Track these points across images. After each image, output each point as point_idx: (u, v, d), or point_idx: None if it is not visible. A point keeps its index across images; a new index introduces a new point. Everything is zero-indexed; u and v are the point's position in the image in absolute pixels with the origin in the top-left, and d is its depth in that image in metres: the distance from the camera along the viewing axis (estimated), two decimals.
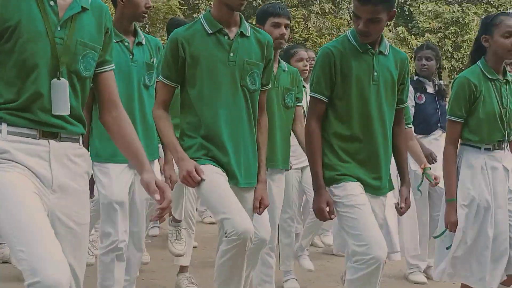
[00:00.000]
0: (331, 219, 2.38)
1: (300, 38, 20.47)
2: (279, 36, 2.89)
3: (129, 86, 2.80)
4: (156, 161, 3.11)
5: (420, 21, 21.69)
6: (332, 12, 21.13)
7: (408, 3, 22.15)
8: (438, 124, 3.95)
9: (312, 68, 2.51)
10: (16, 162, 1.60)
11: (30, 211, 1.53)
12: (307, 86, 3.70)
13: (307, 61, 3.88)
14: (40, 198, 1.60)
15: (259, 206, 2.44)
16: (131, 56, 2.83)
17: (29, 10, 1.62)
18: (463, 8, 21.85)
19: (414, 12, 22.18)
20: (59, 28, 1.65)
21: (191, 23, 2.43)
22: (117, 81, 2.69)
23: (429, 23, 21.68)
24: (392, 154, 2.52)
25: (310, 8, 20.78)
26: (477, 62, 2.87)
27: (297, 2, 20.71)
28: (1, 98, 1.63)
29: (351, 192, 2.34)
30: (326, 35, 20.66)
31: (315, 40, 20.50)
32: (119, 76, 2.75)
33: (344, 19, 21.15)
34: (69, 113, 1.68)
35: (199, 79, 2.30)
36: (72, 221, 1.70)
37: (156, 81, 2.88)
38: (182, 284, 3.52)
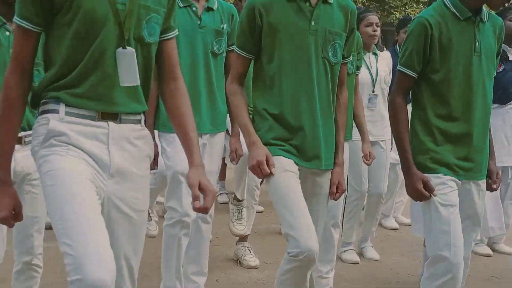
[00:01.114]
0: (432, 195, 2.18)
1: None
2: None
3: (195, 53, 2.69)
4: (222, 132, 2.97)
5: None
6: None
7: None
8: None
9: (403, 39, 2.31)
10: (73, 146, 1.53)
11: (82, 203, 1.45)
12: (369, 58, 3.72)
13: (377, 25, 3.67)
14: (96, 185, 1.53)
15: (336, 191, 2.25)
16: (198, 22, 2.70)
17: None
18: None
19: None
20: None
21: None
22: (183, 48, 2.62)
23: None
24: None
25: None
26: None
27: None
28: (57, 72, 1.55)
29: (442, 188, 2.17)
30: None
31: None
32: (185, 42, 2.65)
33: None
34: (138, 83, 1.60)
35: (276, 50, 2.09)
36: (129, 207, 1.62)
37: (229, 51, 2.78)
38: (239, 254, 3.56)
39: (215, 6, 2.76)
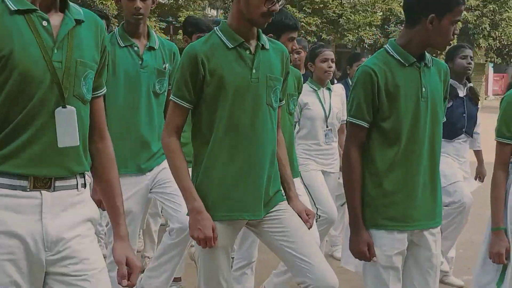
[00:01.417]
0: (372, 260, 2.18)
1: (334, 14, 20.33)
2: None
3: (136, 94, 2.70)
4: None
5: None
6: None
7: None
8: (463, 130, 3.87)
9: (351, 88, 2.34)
10: None
11: None
12: (323, 93, 3.76)
13: (332, 61, 3.73)
14: (24, 279, 1.47)
15: (308, 216, 2.30)
16: (140, 62, 2.72)
17: (21, 36, 1.45)
18: None
19: None
20: (55, 51, 1.50)
21: (207, 36, 2.17)
22: (124, 89, 2.68)
23: (467, 0, 21.31)
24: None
25: None
26: None
27: None
28: None
29: (386, 250, 2.15)
30: (360, 12, 20.49)
31: (348, 16, 20.37)
32: (126, 83, 2.68)
33: None
34: (78, 144, 1.53)
35: (219, 100, 2.05)
36: (76, 277, 1.53)
37: (170, 89, 2.77)
38: None
39: (156, 45, 2.78)
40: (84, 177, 1.60)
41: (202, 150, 2.09)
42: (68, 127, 1.51)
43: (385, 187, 2.16)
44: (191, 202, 2.05)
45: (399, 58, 2.16)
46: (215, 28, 2.15)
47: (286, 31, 2.76)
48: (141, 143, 2.78)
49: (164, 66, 2.79)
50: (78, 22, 1.55)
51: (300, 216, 2.24)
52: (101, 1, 18.88)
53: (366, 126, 2.16)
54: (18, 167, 1.46)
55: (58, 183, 1.51)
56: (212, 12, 26.32)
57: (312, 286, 2.12)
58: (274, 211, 2.18)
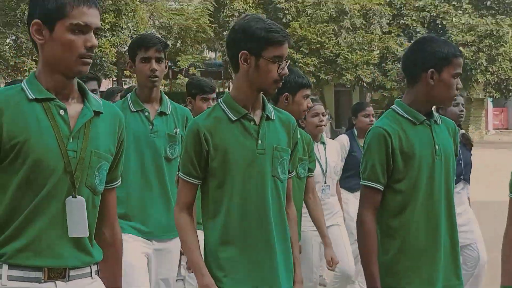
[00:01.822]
0: None
1: (331, 54, 20.93)
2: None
3: (146, 159, 2.73)
4: (177, 239, 2.97)
5: (453, 35, 22.06)
6: (363, 27, 21.44)
7: (440, 16, 22.67)
8: (460, 177, 3.75)
9: (363, 151, 2.34)
10: None
11: None
12: (318, 148, 3.72)
13: (323, 115, 3.77)
14: None
15: None
16: (150, 127, 2.76)
17: (38, 123, 1.52)
18: (497, 20, 22.13)
19: (447, 25, 22.59)
20: (71, 140, 1.55)
21: (210, 109, 2.18)
22: (134, 154, 2.70)
23: (463, 36, 22.09)
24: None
25: (341, 23, 21.10)
26: None
27: (327, 18, 21.12)
28: (3, 226, 1.50)
29: None
30: (357, 50, 21.05)
31: (346, 55, 20.96)
32: (136, 148, 2.71)
33: (375, 34, 21.53)
34: (87, 235, 1.57)
35: (227, 174, 2.05)
36: None
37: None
38: None
39: (168, 110, 2.82)
40: (97, 263, 1.64)
41: (211, 223, 2.08)
42: (78, 218, 1.54)
43: (406, 250, 2.14)
44: (200, 278, 2.05)
45: (409, 117, 2.18)
46: (219, 100, 2.17)
47: (300, 89, 2.92)
48: (153, 208, 2.82)
49: (175, 131, 2.81)
50: (97, 113, 1.60)
51: None
52: (100, 48, 19.54)
53: (381, 188, 2.16)
54: (32, 259, 1.49)
55: (72, 273, 1.55)
56: (210, 54, 27.22)
57: None
58: None
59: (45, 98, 1.53)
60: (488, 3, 23.41)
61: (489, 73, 22.23)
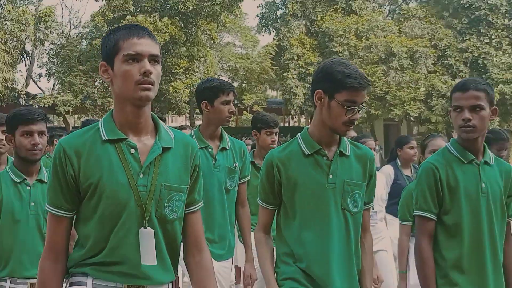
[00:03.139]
0: None
1: (381, 92, 22.19)
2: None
3: (211, 191, 2.86)
4: (230, 259, 3.15)
5: (494, 73, 22.92)
6: (410, 67, 22.53)
7: (482, 56, 23.58)
8: None
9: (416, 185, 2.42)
10: None
11: None
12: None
13: (374, 149, 3.88)
14: None
15: None
16: (213, 162, 2.93)
17: (110, 163, 1.58)
18: None
19: (488, 64, 23.43)
20: (141, 176, 1.59)
21: (288, 142, 2.24)
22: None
23: (503, 75, 22.90)
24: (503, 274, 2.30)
25: (390, 64, 22.27)
26: None
27: (377, 59, 22.35)
28: (86, 253, 1.61)
29: None
30: (404, 88, 22.19)
31: (394, 93, 22.12)
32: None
33: (421, 73, 22.58)
34: (155, 263, 1.61)
35: (296, 205, 2.11)
36: None
37: (241, 183, 3.08)
38: None
39: (228, 146, 3.00)
40: (173, 283, 1.72)
41: (281, 245, 2.17)
42: (147, 247, 1.59)
43: (451, 279, 2.20)
44: (268, 284, 2.15)
45: (458, 155, 2.26)
46: (298, 135, 2.22)
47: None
48: (218, 236, 2.98)
49: (234, 165, 3.01)
50: (166, 149, 1.63)
51: None
52: (174, 89, 21.10)
53: (433, 218, 2.24)
54: (113, 277, 1.59)
55: (150, 287, 1.61)
56: (272, 93, 28.76)
57: None
58: None
59: (117, 139, 1.59)
60: None
61: None
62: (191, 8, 20.89)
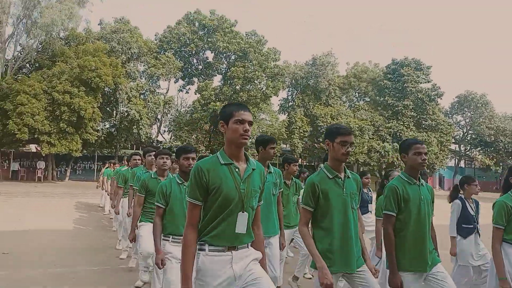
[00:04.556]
0: None
1: None
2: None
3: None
4: (277, 235, 4.70)
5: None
6: (359, 135, 36.56)
7: (399, 132, 35.96)
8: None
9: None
10: (210, 281, 2.64)
11: None
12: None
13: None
14: None
15: (375, 271, 3.49)
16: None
17: (225, 176, 2.67)
18: None
19: (402, 136, 35.89)
20: (241, 184, 2.69)
21: (317, 172, 3.53)
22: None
23: None
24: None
25: None
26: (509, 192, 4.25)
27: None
28: (206, 229, 2.65)
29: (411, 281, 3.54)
30: (356, 147, 35.92)
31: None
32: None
33: (365, 139, 36.04)
34: (245, 232, 2.74)
35: (329, 210, 3.33)
36: (254, 275, 2.75)
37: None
38: None
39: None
40: (250, 242, 2.83)
41: (319, 231, 3.41)
42: (242, 223, 2.70)
43: (406, 250, 3.58)
44: (319, 262, 3.22)
45: (408, 180, 3.72)
46: (321, 167, 3.50)
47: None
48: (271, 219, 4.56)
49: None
50: (253, 169, 2.79)
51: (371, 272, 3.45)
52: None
53: (394, 215, 3.63)
54: (221, 242, 2.69)
55: (239, 247, 2.73)
56: (284, 146, 41.80)
57: None
58: (361, 270, 3.40)
59: (228, 163, 2.72)
60: None
61: None
62: (244, 99, 35.54)
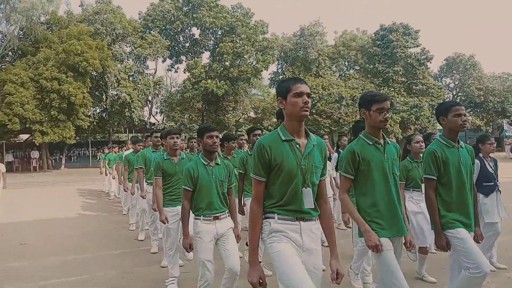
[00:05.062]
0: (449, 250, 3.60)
1: (336, 118, 36.30)
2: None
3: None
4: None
5: (397, 107, 36.63)
6: (351, 104, 36.97)
7: (389, 98, 33.89)
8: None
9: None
10: (283, 236, 2.71)
11: (296, 267, 2.65)
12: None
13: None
14: (299, 256, 2.72)
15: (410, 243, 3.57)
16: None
17: (287, 152, 2.73)
18: None
19: (393, 102, 36.41)
20: (302, 160, 2.73)
21: (357, 139, 3.52)
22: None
23: (402, 107, 36.57)
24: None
25: (341, 103, 36.42)
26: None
27: (334, 101, 36.40)
28: (274, 200, 2.74)
29: (462, 234, 3.60)
30: (349, 115, 36.58)
31: (344, 118, 36.08)
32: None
33: (357, 108, 37.27)
34: (313, 207, 2.77)
35: (369, 175, 3.38)
36: (314, 268, 2.78)
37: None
38: None
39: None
40: (316, 216, 2.85)
41: (362, 198, 3.43)
42: (308, 198, 2.75)
43: (449, 207, 3.68)
44: (363, 226, 3.32)
45: (447, 144, 3.77)
46: (359, 135, 3.55)
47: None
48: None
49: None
50: (314, 145, 2.81)
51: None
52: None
53: (435, 178, 3.72)
54: (289, 213, 2.75)
55: (306, 218, 2.78)
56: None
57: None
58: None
59: (289, 140, 2.76)
60: None
61: None
62: (235, 75, 35.97)
